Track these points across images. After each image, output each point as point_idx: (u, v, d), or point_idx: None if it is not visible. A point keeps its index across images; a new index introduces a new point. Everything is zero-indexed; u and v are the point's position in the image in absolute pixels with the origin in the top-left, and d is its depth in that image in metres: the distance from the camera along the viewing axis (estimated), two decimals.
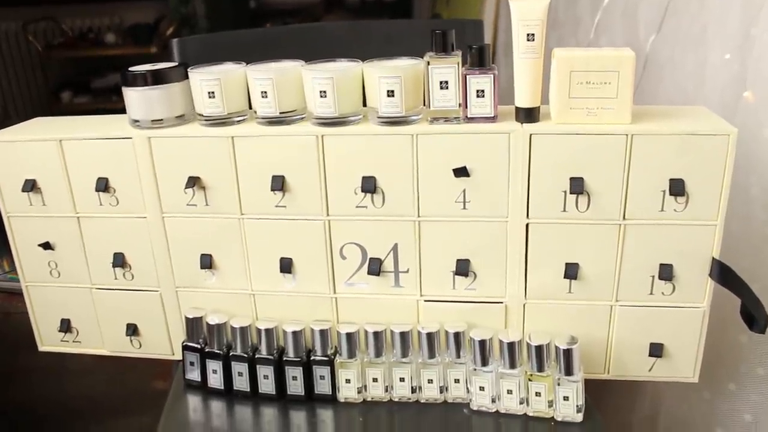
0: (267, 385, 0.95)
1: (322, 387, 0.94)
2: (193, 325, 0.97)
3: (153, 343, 1.04)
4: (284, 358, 0.94)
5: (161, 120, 0.91)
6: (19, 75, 3.87)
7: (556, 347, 0.86)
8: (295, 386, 0.94)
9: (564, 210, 0.85)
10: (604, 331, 0.91)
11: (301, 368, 0.93)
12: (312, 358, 0.93)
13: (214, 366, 0.96)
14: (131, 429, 1.51)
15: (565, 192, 0.85)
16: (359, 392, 0.93)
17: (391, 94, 0.84)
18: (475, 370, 0.89)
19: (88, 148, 0.93)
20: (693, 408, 1.17)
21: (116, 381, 1.64)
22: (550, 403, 0.88)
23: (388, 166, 0.87)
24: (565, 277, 0.88)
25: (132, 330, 1.03)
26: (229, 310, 0.97)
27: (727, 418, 1.12)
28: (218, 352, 0.96)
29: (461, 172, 0.85)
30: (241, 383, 0.96)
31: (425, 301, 0.93)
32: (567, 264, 0.88)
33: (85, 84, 4.07)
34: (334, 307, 0.95)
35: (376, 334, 0.91)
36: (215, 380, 0.97)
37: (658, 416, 1.27)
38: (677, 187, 0.82)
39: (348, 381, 0.93)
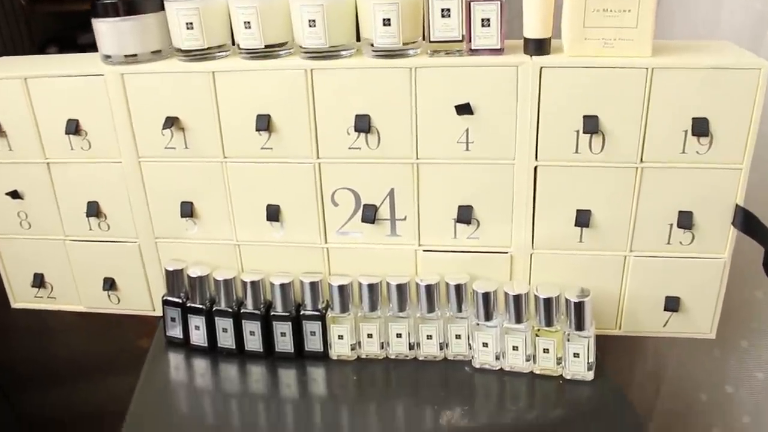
0: (253, 342, 0.91)
1: (313, 344, 0.91)
2: (174, 278, 0.93)
3: (132, 298, 1.00)
4: (272, 313, 0.90)
5: (135, 55, 0.86)
6: (3, 31, 3.75)
7: (567, 300, 0.83)
8: (284, 343, 0.91)
9: (576, 151, 0.81)
10: (617, 284, 0.88)
11: (289, 324, 0.90)
12: (302, 312, 0.90)
13: (197, 322, 0.92)
14: (117, 389, 1.47)
15: (577, 132, 0.80)
16: (353, 349, 0.90)
17: (387, 23, 0.78)
18: (477, 324, 0.86)
19: (56, 86, 0.88)
20: (702, 365, 1.15)
21: (100, 339, 1.59)
22: (559, 361, 0.85)
23: (384, 104, 0.82)
24: (575, 225, 0.84)
25: (109, 284, 0.98)
26: (213, 262, 0.94)
27: (738, 376, 1.10)
28: (200, 306, 0.92)
29: (464, 109, 0.80)
30: (226, 340, 0.92)
31: (424, 251, 0.89)
32: (578, 211, 0.84)
33: (72, 39, 3.96)
34: (326, 257, 0.92)
35: (371, 287, 0.87)
36: (198, 337, 0.93)
37: (664, 374, 1.24)
38: (701, 127, 0.77)
39: (341, 337, 0.89)
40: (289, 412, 0.84)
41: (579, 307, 0.82)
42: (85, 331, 1.61)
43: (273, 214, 0.89)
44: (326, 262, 0.92)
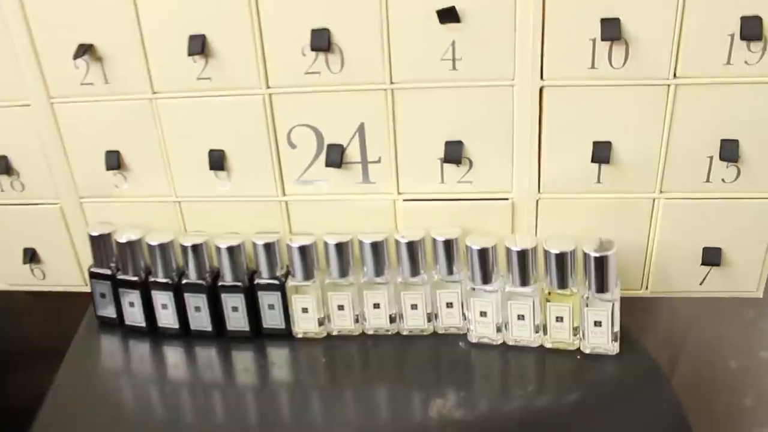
0: (200, 320, 0.81)
1: (272, 319, 0.81)
2: (100, 245, 0.81)
3: (58, 271, 0.89)
4: (220, 284, 0.80)
5: None
6: None
7: (585, 255, 0.72)
8: (237, 320, 0.81)
9: (592, 66, 0.69)
10: (643, 234, 0.78)
11: (242, 296, 0.80)
12: (256, 282, 0.80)
13: (131, 297, 0.81)
14: None
15: (593, 40, 0.68)
16: (321, 324, 0.81)
17: None
18: (473, 289, 0.76)
19: None
20: (731, 327, 1.07)
21: (56, 320, 1.50)
22: (576, 331, 0.75)
23: (347, 13, 0.70)
24: (592, 162, 0.74)
25: (30, 256, 0.87)
26: (150, 224, 0.83)
27: None
28: (134, 279, 0.80)
29: (448, 15, 0.68)
30: (167, 318, 0.81)
31: (404, 200, 0.80)
32: (595, 143, 0.73)
33: None
34: (284, 213, 0.81)
35: (340, 247, 0.78)
36: (133, 315, 0.82)
37: (684, 337, 1.16)
38: (751, 29, 0.65)
39: (305, 310, 0.80)
40: (248, 402, 0.75)
41: (600, 263, 0.71)
42: (40, 311, 1.53)
43: (217, 161, 0.78)
44: (285, 219, 0.82)
